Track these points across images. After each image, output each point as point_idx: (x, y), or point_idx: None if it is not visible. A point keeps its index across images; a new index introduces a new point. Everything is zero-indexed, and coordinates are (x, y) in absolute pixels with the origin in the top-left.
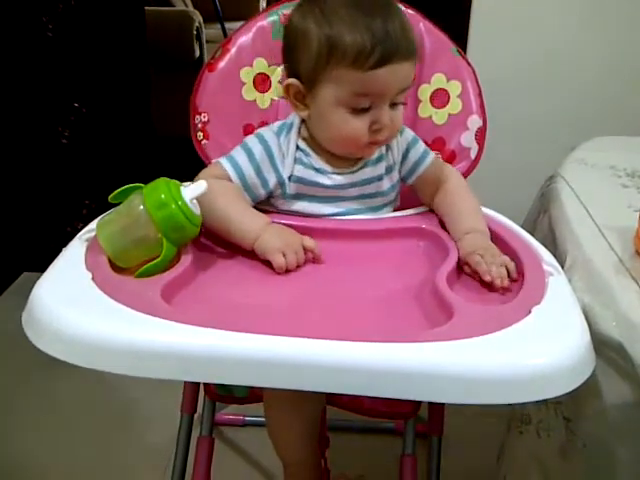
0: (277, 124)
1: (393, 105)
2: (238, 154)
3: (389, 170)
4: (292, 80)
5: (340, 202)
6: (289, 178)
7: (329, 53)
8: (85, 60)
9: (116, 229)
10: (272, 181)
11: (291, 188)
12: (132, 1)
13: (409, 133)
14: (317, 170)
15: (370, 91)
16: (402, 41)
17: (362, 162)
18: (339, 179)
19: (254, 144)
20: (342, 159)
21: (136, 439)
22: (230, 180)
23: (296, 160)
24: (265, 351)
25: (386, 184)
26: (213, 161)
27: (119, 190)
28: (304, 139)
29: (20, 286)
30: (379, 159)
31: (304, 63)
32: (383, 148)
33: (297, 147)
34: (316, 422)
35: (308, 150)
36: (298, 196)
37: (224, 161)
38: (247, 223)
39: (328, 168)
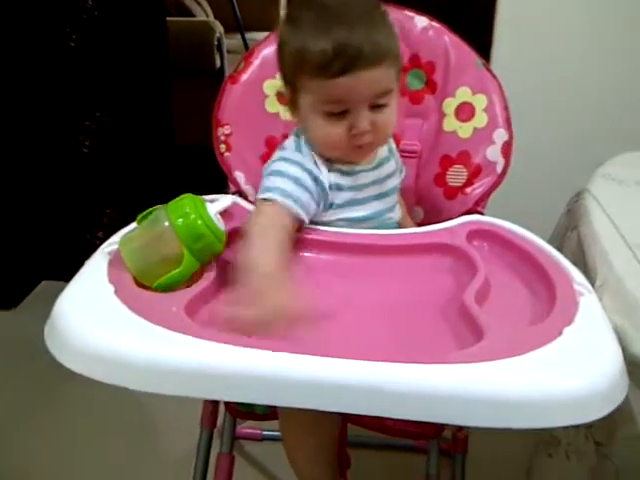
0: (288, 143)
1: (376, 107)
2: (286, 184)
3: (395, 170)
4: (283, 89)
5: (366, 204)
6: (330, 186)
7: (297, 64)
8: (107, 70)
9: (139, 245)
10: (317, 194)
11: (331, 197)
12: (154, 12)
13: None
14: (346, 173)
15: (338, 98)
16: (367, 48)
17: (376, 160)
18: (364, 176)
19: (288, 168)
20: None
21: (155, 453)
22: (293, 215)
23: (328, 168)
24: (289, 370)
25: (394, 182)
26: (264, 197)
27: (146, 212)
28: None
29: (40, 294)
30: (388, 158)
31: (284, 72)
32: (385, 148)
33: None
34: (333, 441)
35: (327, 158)
36: (335, 205)
37: (279, 197)
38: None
39: (352, 168)
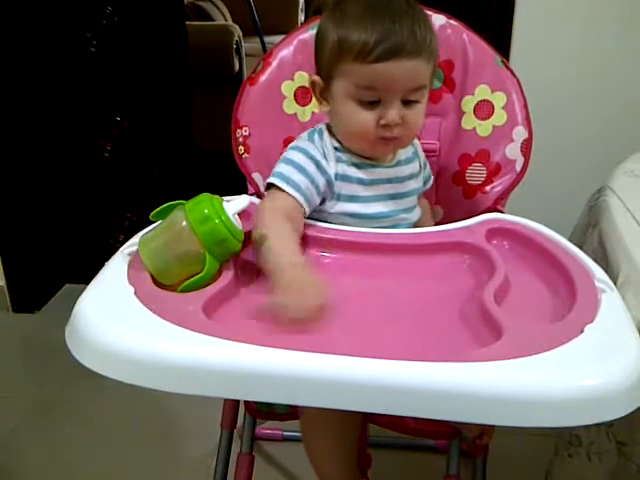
0: (305, 133)
1: (408, 103)
2: (290, 172)
3: (418, 172)
4: (315, 77)
5: (379, 202)
6: (335, 177)
7: (338, 50)
8: (127, 75)
9: (158, 245)
10: (322, 184)
11: (337, 187)
12: (173, 16)
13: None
14: (357, 166)
15: (373, 84)
16: (409, 39)
17: (396, 159)
18: (378, 172)
19: (296, 156)
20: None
21: (175, 453)
22: (296, 202)
23: (337, 159)
24: (308, 369)
25: (415, 184)
26: (269, 182)
27: (161, 207)
28: (336, 140)
29: (62, 297)
30: (411, 159)
31: (322, 61)
32: (410, 149)
33: (334, 148)
34: (354, 441)
35: (342, 149)
36: (342, 197)
37: (282, 184)
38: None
39: (366, 162)
